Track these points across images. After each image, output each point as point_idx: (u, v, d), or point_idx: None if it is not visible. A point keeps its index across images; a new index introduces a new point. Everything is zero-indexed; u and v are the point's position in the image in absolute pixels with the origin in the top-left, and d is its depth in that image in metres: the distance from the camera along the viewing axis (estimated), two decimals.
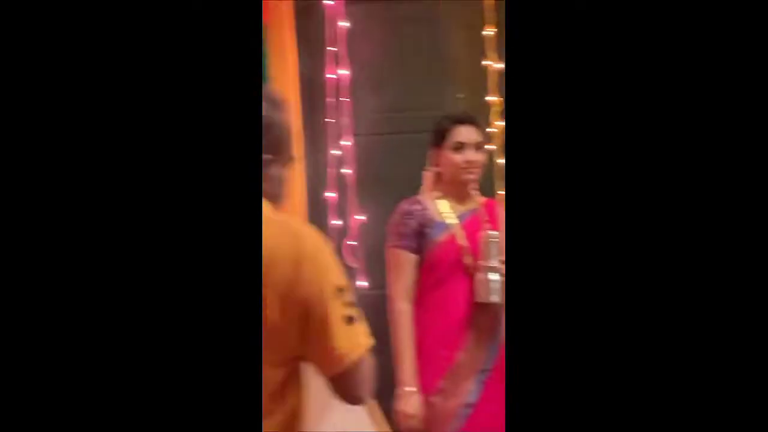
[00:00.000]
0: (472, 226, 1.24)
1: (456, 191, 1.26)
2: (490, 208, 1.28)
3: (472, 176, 1.23)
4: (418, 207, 1.24)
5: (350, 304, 0.59)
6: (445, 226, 1.23)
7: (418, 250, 1.20)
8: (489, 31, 1.52)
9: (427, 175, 1.30)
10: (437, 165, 1.26)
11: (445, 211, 1.24)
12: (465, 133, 1.23)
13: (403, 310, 1.18)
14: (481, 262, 1.18)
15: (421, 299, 1.22)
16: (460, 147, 1.22)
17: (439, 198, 1.26)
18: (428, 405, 1.15)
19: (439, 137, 1.24)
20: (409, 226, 1.22)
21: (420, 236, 1.21)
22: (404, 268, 1.20)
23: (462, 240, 1.22)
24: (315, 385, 0.63)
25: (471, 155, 1.22)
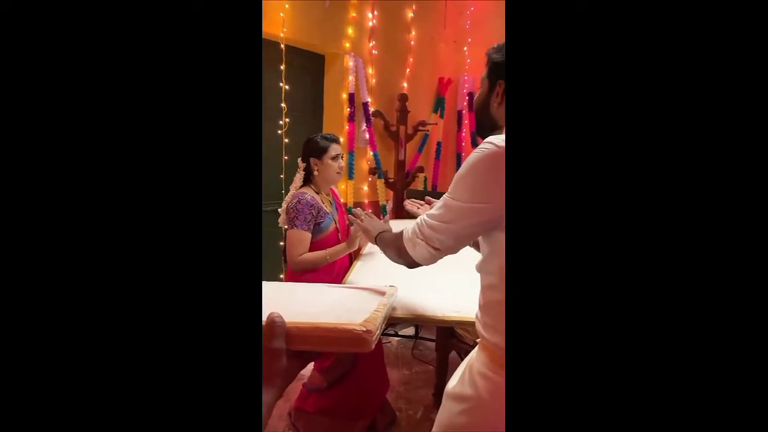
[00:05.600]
0: (339, 214, 1.95)
1: (325, 188, 1.91)
2: (334, 193, 2.00)
3: (341, 177, 1.92)
4: (313, 200, 1.79)
5: None
6: (331, 218, 1.85)
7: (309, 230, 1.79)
8: None
9: (298, 177, 1.88)
10: (317, 170, 1.85)
11: (326, 203, 1.86)
12: (337, 148, 1.87)
13: (315, 254, 1.77)
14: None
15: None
16: (336, 157, 1.86)
17: (314, 193, 1.85)
18: None
19: (321, 151, 1.84)
20: (311, 214, 1.77)
21: (313, 221, 1.78)
22: (306, 243, 1.76)
23: (338, 225, 1.89)
24: None
25: (341, 163, 1.88)
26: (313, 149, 1.85)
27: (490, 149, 0.80)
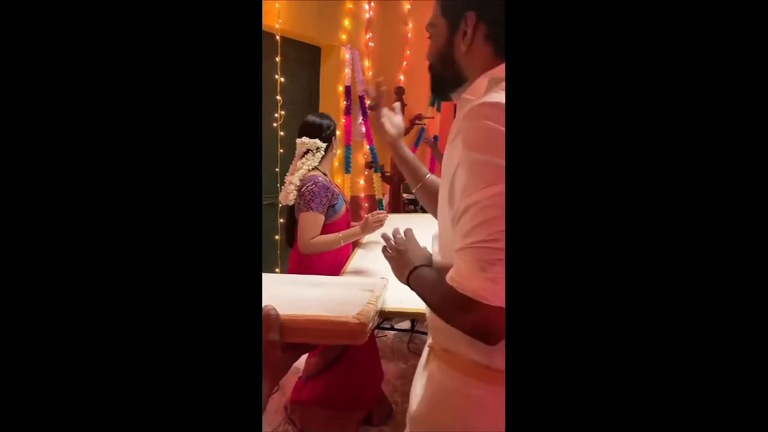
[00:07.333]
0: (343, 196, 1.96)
1: (331, 168, 1.93)
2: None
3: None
4: (327, 183, 1.78)
5: None
6: (343, 201, 1.86)
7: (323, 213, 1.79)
8: None
9: (316, 157, 1.83)
10: (335, 149, 1.90)
11: (333, 186, 1.85)
12: None
13: (328, 237, 1.76)
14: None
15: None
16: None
17: (325, 174, 1.84)
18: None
19: (334, 132, 1.88)
20: (326, 197, 1.76)
21: (328, 204, 1.78)
22: (319, 226, 1.75)
23: (347, 206, 1.92)
24: None
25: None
26: (333, 129, 1.87)
27: (491, 124, 0.57)
